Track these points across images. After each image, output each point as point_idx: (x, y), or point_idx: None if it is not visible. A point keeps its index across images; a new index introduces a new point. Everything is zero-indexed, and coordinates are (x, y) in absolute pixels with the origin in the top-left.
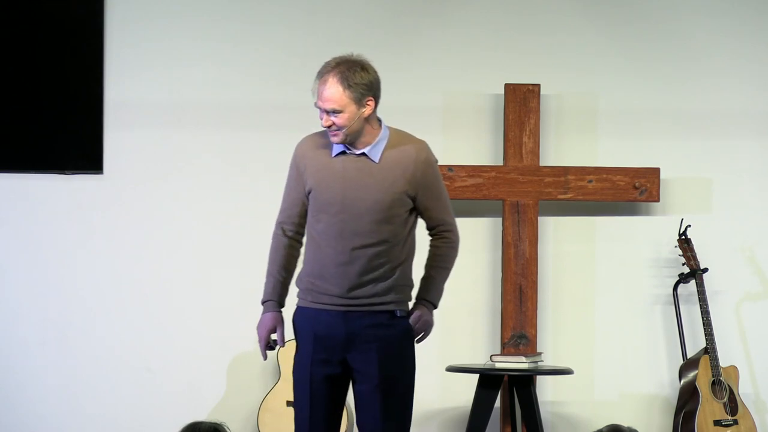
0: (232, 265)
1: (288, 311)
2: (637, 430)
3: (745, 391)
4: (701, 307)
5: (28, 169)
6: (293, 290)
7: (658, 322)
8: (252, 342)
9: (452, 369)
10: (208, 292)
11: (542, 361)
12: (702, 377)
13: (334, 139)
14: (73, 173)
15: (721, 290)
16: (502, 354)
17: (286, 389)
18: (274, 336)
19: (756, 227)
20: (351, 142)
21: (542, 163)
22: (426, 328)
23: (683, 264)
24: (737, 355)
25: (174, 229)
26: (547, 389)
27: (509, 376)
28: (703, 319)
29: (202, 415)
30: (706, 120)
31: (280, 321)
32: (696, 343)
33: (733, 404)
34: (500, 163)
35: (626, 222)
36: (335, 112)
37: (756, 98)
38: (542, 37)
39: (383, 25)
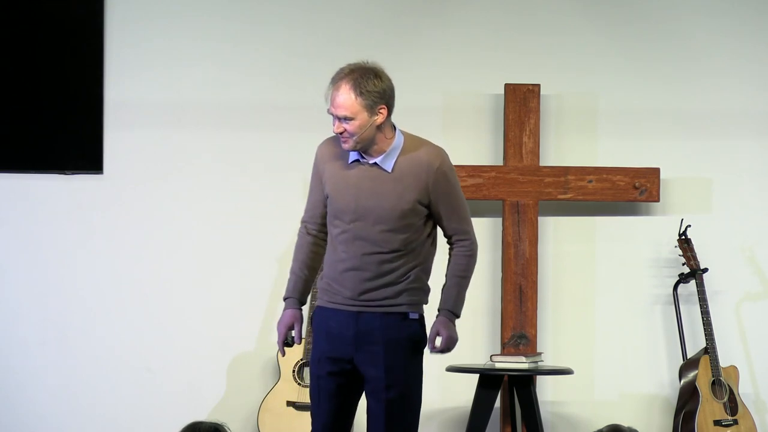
0: (232, 265)
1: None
2: (637, 430)
3: (745, 391)
4: (701, 307)
5: (28, 169)
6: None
7: (658, 322)
8: (252, 342)
9: (452, 369)
10: (208, 292)
11: (542, 361)
12: (702, 377)
13: (345, 146)
14: (73, 173)
15: (721, 290)
16: (502, 354)
17: (286, 389)
18: (293, 333)
19: (756, 227)
20: (363, 149)
21: (542, 163)
22: (449, 343)
23: (683, 264)
24: (737, 355)
25: (174, 229)
26: (547, 389)
27: (509, 376)
28: (703, 319)
29: (202, 415)
30: (706, 120)
31: (299, 318)
32: (696, 343)
33: (733, 404)
34: (500, 163)
35: (626, 222)
36: (347, 119)
37: (756, 98)
38: (542, 37)
39: (383, 25)
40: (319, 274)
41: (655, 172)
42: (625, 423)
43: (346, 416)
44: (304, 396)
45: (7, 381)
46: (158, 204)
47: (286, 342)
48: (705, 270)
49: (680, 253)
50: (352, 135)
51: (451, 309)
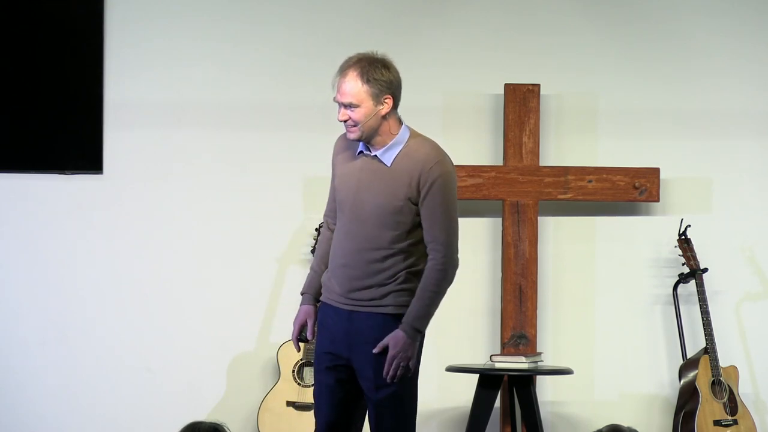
0: (232, 265)
1: None
2: (637, 430)
3: (744, 391)
4: (701, 307)
5: (28, 169)
6: None
7: (658, 322)
8: (252, 342)
9: (452, 369)
10: (208, 292)
11: (542, 361)
12: (702, 377)
13: (350, 136)
14: (73, 173)
15: (721, 290)
16: (502, 354)
17: (286, 389)
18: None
19: (756, 227)
20: (366, 139)
21: (542, 163)
22: (393, 361)
23: (683, 264)
24: (737, 355)
25: (174, 229)
26: (547, 389)
27: (509, 376)
28: (703, 319)
29: (202, 415)
30: (706, 120)
31: (312, 314)
32: (696, 343)
33: (732, 404)
34: (500, 163)
35: (626, 222)
36: (352, 105)
37: (756, 98)
38: (542, 37)
39: (383, 25)
40: None
41: (655, 172)
42: (625, 423)
43: (349, 412)
44: (304, 396)
45: (7, 381)
46: (158, 204)
47: (301, 338)
48: (705, 270)
49: (680, 253)
50: (356, 123)
51: (410, 322)
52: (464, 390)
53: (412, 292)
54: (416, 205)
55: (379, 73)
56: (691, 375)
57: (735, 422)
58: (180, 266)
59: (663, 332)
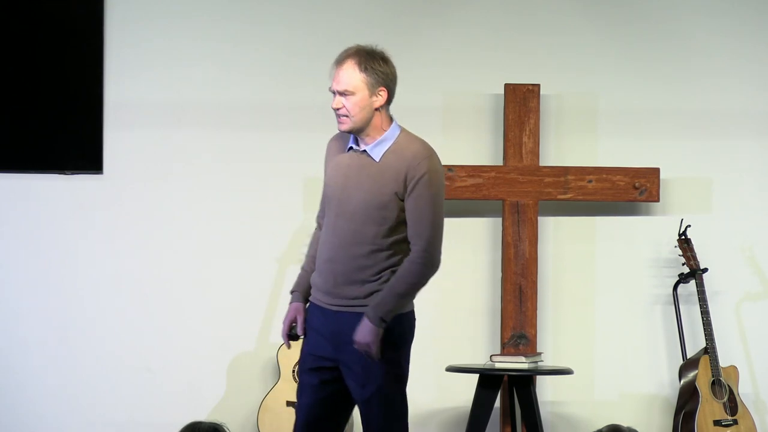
0: (231, 266)
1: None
2: (637, 430)
3: (744, 391)
4: (701, 307)
5: (28, 169)
6: None
7: (658, 322)
8: (252, 342)
9: (452, 369)
10: (208, 292)
11: (542, 361)
12: (702, 377)
13: (341, 127)
14: (73, 173)
15: (721, 290)
16: (502, 354)
17: (286, 389)
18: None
19: (756, 227)
20: (357, 132)
21: (542, 163)
22: (363, 348)
23: (683, 264)
24: (737, 355)
25: (174, 229)
26: (547, 389)
27: (509, 376)
28: (703, 319)
29: (202, 415)
30: (706, 120)
31: (301, 310)
32: (696, 343)
33: (732, 404)
34: (500, 163)
35: (626, 222)
36: (347, 93)
37: (756, 98)
38: (542, 37)
39: (383, 25)
40: None
41: (655, 172)
42: (625, 423)
43: (329, 413)
44: None
45: (7, 381)
46: (158, 204)
47: (291, 335)
48: (705, 270)
49: (680, 253)
50: (349, 113)
51: (373, 308)
52: (464, 390)
53: None
54: (402, 200)
55: (376, 64)
56: (691, 375)
57: (735, 422)
58: (180, 266)
59: (663, 332)
